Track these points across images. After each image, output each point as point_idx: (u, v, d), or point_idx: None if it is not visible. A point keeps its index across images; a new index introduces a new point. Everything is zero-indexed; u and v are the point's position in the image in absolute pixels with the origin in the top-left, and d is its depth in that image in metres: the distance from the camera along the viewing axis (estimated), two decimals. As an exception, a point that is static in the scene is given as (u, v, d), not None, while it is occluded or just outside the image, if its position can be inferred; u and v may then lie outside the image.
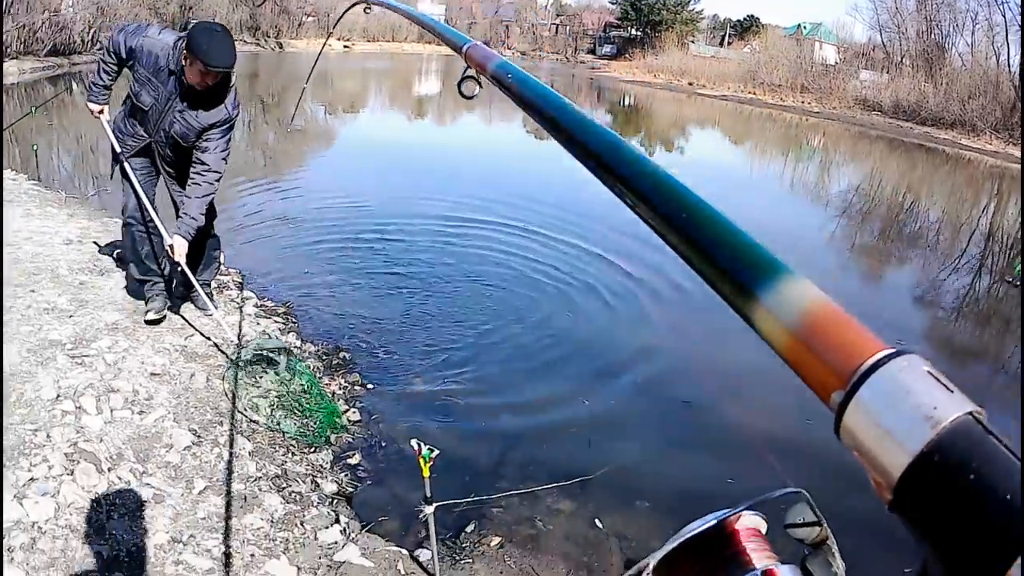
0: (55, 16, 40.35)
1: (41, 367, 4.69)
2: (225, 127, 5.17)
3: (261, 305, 6.94)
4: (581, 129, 0.96)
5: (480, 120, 28.16)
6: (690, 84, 52.35)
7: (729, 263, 0.62)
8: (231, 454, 4.45)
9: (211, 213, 5.59)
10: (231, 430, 4.69)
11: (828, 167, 21.65)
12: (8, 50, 35.76)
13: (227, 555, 3.69)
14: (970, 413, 0.44)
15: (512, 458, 5.17)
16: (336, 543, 3.98)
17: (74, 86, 24.75)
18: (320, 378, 5.60)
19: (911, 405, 0.45)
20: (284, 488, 4.33)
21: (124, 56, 5.08)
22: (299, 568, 3.75)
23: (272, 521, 4.03)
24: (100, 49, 5.36)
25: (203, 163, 5.14)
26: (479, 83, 1.64)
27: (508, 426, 5.55)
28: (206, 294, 5.80)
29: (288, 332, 6.40)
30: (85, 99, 5.57)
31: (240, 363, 5.29)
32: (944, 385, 0.46)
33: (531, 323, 7.51)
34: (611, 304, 8.42)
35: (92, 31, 45.73)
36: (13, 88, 23.78)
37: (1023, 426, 4.98)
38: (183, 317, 5.98)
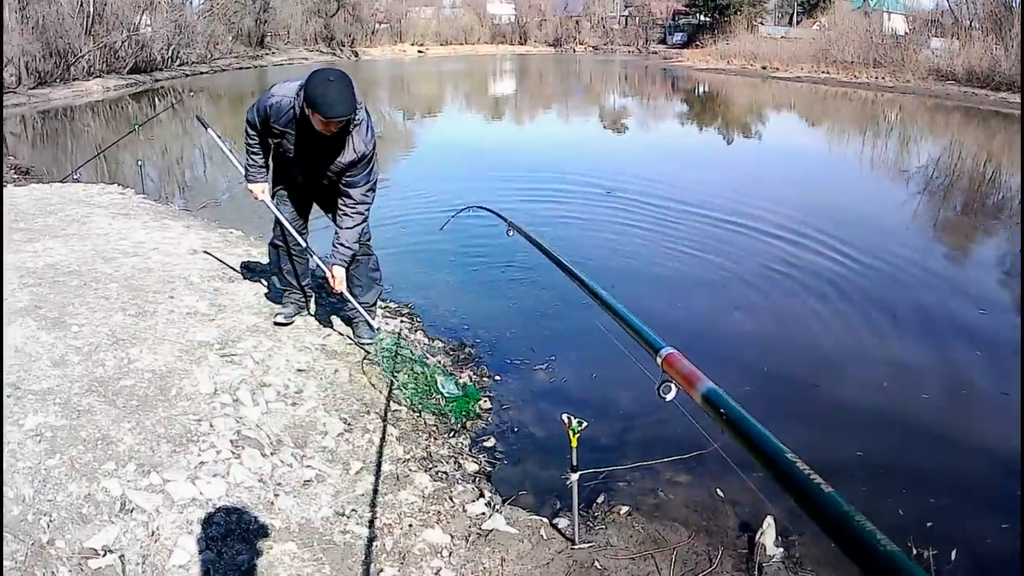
0: (135, 35, 41.97)
1: (195, 365, 5.28)
2: (362, 164, 5.48)
3: (385, 307, 7.51)
4: (805, 486, 1.11)
5: (557, 117, 28.66)
6: (763, 68, 52.22)
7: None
8: (382, 440, 5.00)
9: (365, 235, 6.02)
10: (380, 418, 5.27)
11: (906, 142, 21.63)
12: (91, 68, 37.36)
13: (388, 525, 4.23)
14: None
15: (632, 436, 5.61)
16: (483, 514, 4.49)
17: (156, 103, 25.71)
18: (451, 371, 6.17)
19: None
20: (431, 468, 4.88)
21: (260, 124, 5.54)
22: (452, 536, 4.26)
23: (424, 496, 4.56)
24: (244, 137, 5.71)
25: (350, 197, 5.56)
26: (674, 386, 1.70)
27: (626, 407, 5.97)
28: (368, 320, 6.25)
29: (415, 331, 6.99)
30: (245, 181, 5.92)
31: (378, 360, 5.94)
32: None
33: (641, 310, 7.83)
34: (712, 285, 8.92)
35: (172, 48, 47.48)
36: (98, 104, 24.84)
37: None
38: (318, 319, 6.61)
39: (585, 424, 3.97)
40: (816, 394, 6.36)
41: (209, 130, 6.65)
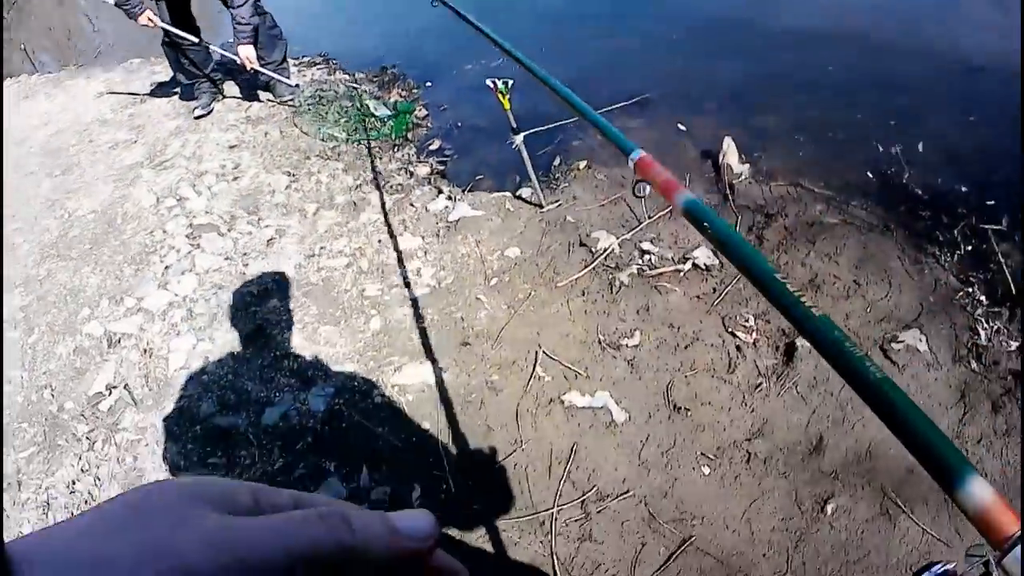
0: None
1: (132, 187, 5.26)
2: None
3: (298, 63, 7.36)
4: (767, 280, 1.11)
5: None
6: None
7: (936, 462, 0.82)
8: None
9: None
10: (321, 158, 5.30)
11: None
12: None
13: (359, 248, 4.27)
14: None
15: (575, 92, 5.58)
16: (446, 208, 4.51)
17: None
18: (379, 95, 6.12)
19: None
20: (384, 184, 4.88)
21: None
22: (423, 237, 4.30)
23: (385, 211, 4.58)
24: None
25: None
26: (648, 184, 1.65)
27: (564, 71, 5.91)
28: (283, 75, 6.13)
29: (333, 72, 6.88)
30: (130, 18, 5.57)
31: (305, 108, 5.98)
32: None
33: None
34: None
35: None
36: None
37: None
38: (235, 98, 6.53)
39: (511, 81, 3.86)
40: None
41: None
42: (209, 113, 6.22)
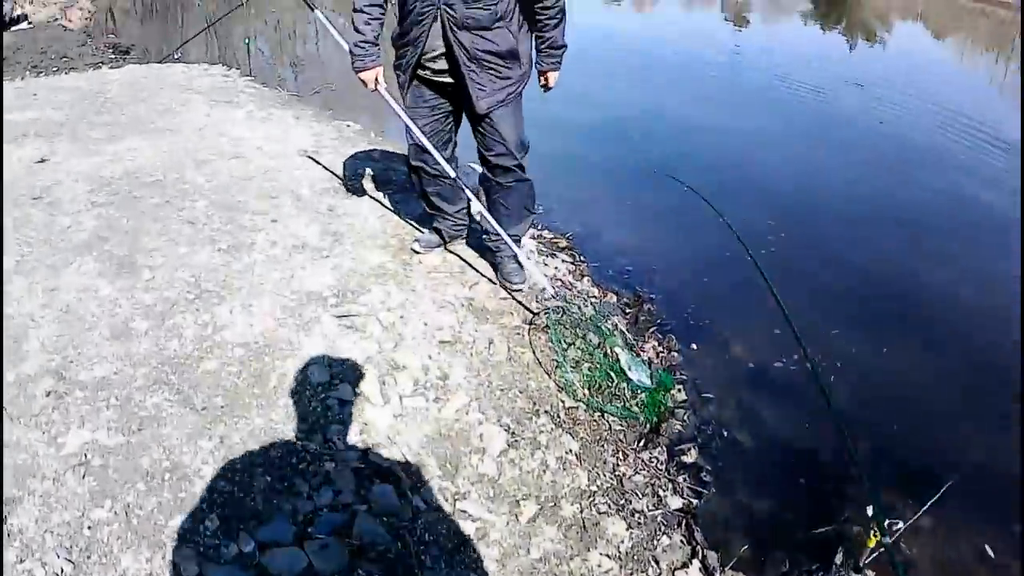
0: None
1: (303, 333, 3.80)
2: None
3: (539, 235, 5.69)
4: None
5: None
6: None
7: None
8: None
9: (522, 146, 4.20)
10: (552, 422, 3.67)
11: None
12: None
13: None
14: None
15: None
16: (703, 592, 3.00)
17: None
18: (632, 341, 4.50)
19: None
20: (624, 506, 3.31)
21: None
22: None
23: (620, 556, 3.05)
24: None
25: (540, 2, 3.80)
26: None
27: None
28: (515, 256, 4.42)
29: (580, 276, 5.22)
30: (353, 67, 3.99)
31: (550, 325, 4.21)
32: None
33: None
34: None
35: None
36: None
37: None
38: (460, 256, 4.84)
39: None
40: None
41: (316, 12, 4.95)
42: (427, 252, 4.74)
